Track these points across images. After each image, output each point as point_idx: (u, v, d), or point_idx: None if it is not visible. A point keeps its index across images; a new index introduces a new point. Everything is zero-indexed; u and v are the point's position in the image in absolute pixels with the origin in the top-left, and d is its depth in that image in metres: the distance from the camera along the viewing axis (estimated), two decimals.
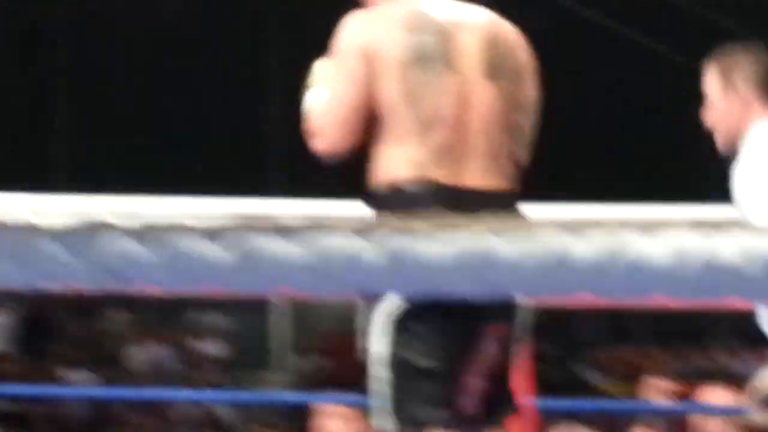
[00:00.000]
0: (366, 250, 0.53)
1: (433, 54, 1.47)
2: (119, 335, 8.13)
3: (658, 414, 2.98)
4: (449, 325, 1.42)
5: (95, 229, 0.46)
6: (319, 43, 1.63)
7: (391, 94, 1.46)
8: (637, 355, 8.97)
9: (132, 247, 0.46)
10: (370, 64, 1.46)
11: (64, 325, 7.98)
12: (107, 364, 7.73)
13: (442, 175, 1.47)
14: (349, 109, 1.48)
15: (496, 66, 1.51)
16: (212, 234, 0.48)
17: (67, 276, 0.46)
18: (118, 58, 8.70)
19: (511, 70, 1.53)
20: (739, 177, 1.80)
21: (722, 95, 1.82)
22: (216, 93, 8.96)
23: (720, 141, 1.87)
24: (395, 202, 1.47)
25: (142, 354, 7.90)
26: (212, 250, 0.48)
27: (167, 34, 8.81)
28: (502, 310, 1.43)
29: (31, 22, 8.84)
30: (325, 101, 1.50)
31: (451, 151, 1.48)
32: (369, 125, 1.49)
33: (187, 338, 8.11)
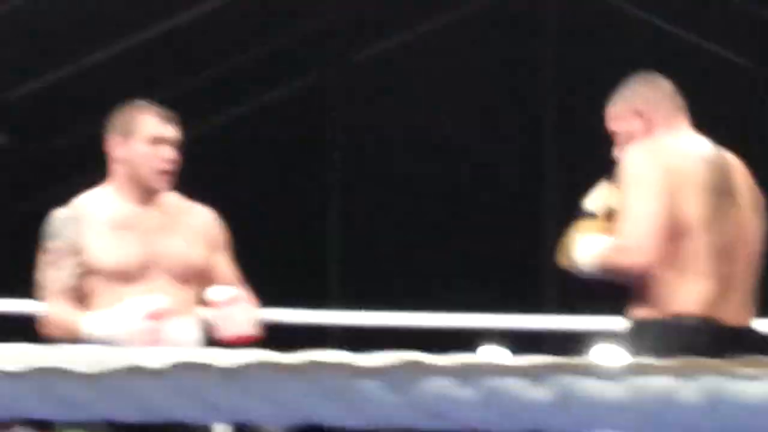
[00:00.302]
0: (683, 390, 0.49)
1: (723, 187, 1.52)
2: None
3: None
4: None
5: (414, 368, 0.46)
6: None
7: (684, 221, 1.48)
8: None
9: (450, 386, 0.46)
10: (673, 186, 1.49)
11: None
12: None
13: (721, 310, 1.46)
14: (660, 224, 1.47)
15: (754, 202, 1.55)
16: (529, 374, 0.46)
17: (388, 414, 0.47)
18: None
19: (758, 206, 1.56)
20: None
21: None
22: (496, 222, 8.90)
23: None
24: (672, 334, 1.45)
25: None
26: (529, 390, 0.46)
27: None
28: None
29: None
30: (640, 218, 1.49)
31: (730, 287, 1.47)
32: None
33: None
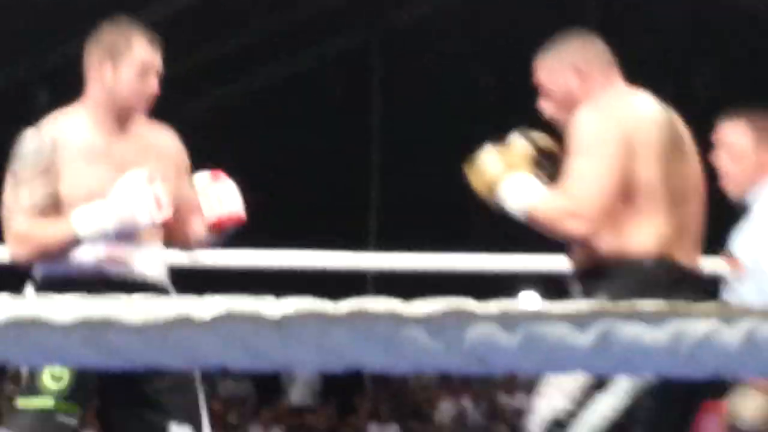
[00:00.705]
0: (722, 332, 0.50)
1: (676, 139, 1.58)
2: (426, 389, 8.13)
3: None
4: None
5: (458, 316, 0.47)
6: None
7: (648, 173, 1.52)
8: None
9: (494, 332, 0.47)
10: (628, 149, 1.52)
11: (371, 378, 7.98)
12: (414, 418, 7.80)
13: (679, 254, 1.53)
14: (610, 192, 1.51)
15: (695, 152, 1.63)
16: (571, 318, 0.47)
17: (432, 360, 0.48)
18: None
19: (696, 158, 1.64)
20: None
21: (753, 151, 1.83)
22: None
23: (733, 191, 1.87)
24: (634, 276, 1.50)
25: (449, 409, 7.81)
26: (571, 335, 0.47)
27: None
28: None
29: None
30: (591, 184, 1.51)
31: (683, 222, 1.55)
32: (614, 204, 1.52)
33: (498, 393, 7.90)
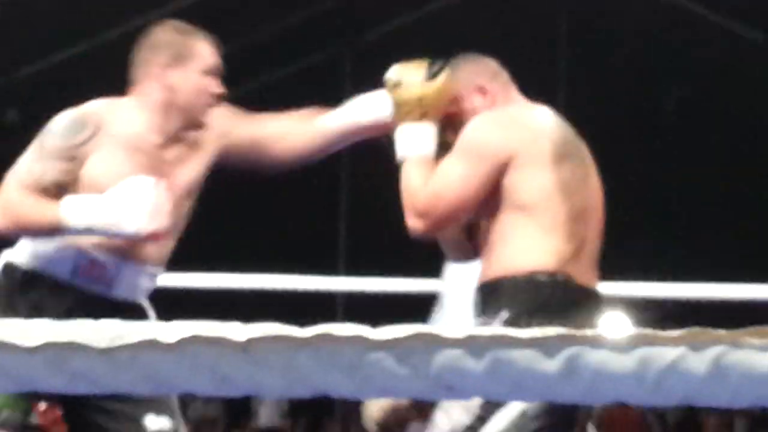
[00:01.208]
0: (690, 359, 0.50)
1: (573, 150, 1.53)
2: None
3: None
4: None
5: (425, 341, 0.47)
6: None
7: (542, 186, 1.47)
8: None
9: (461, 357, 0.47)
10: (515, 161, 1.48)
11: (341, 399, 7.98)
12: None
13: (575, 271, 1.47)
14: (470, 198, 1.48)
15: (595, 169, 1.56)
16: (536, 344, 0.47)
17: (399, 386, 0.48)
18: None
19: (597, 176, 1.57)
20: None
21: None
22: None
23: None
24: (527, 293, 1.45)
25: (419, 430, 7.71)
26: (538, 361, 0.47)
27: None
28: None
29: None
30: (451, 189, 1.49)
31: (580, 237, 1.49)
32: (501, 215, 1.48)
33: None
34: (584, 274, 1.50)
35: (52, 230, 1.53)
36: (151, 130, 1.60)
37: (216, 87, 1.62)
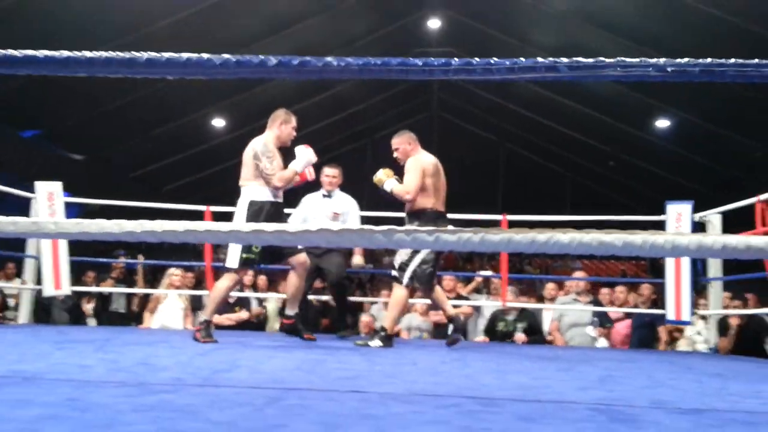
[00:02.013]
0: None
1: (438, 169, 4.39)
2: None
3: None
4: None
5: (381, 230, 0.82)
6: None
7: (429, 181, 4.30)
8: None
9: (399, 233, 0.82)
10: (425, 170, 4.33)
11: None
12: None
13: (439, 206, 4.34)
14: (419, 186, 4.30)
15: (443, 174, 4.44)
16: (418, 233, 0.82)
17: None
18: None
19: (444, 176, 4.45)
20: None
21: None
22: None
23: None
24: (425, 215, 4.29)
25: None
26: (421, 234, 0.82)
27: None
28: None
29: None
30: (411, 182, 4.30)
31: (440, 196, 4.36)
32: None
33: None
34: (442, 206, 4.36)
35: (293, 176, 4.21)
36: (275, 147, 4.20)
37: (293, 135, 4.31)
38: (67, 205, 5.57)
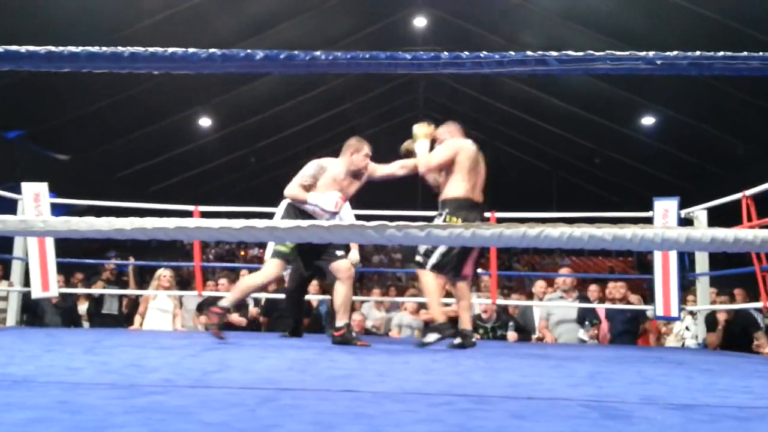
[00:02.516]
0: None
1: (477, 157, 4.15)
2: None
3: None
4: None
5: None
6: None
7: (464, 166, 4.07)
8: None
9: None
10: (458, 152, 4.11)
11: None
12: None
13: (474, 195, 4.09)
14: (442, 162, 4.13)
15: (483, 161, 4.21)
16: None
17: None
18: None
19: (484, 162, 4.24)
20: None
21: None
22: None
23: None
24: (461, 204, 4.05)
25: None
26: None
27: None
28: None
29: None
30: (435, 158, 4.14)
31: (477, 187, 4.10)
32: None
33: None
34: (478, 197, 4.10)
35: (304, 203, 4.14)
36: (348, 173, 4.27)
37: (367, 163, 4.28)
38: (54, 206, 5.52)
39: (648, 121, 12.00)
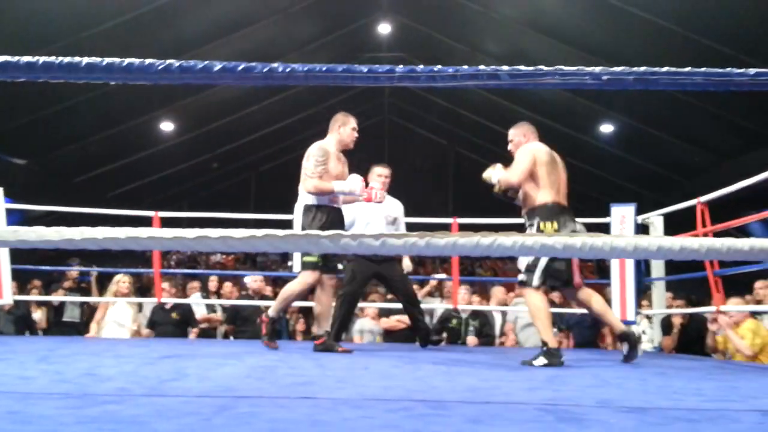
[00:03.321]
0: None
1: (555, 159, 3.93)
2: None
3: None
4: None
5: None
6: None
7: (544, 171, 3.85)
8: None
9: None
10: (535, 161, 3.87)
11: None
12: None
13: (560, 199, 3.86)
14: (526, 171, 3.86)
15: (562, 164, 4.00)
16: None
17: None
18: None
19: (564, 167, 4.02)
20: None
21: None
22: None
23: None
24: (552, 208, 3.81)
25: None
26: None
27: None
28: None
29: None
30: (519, 169, 3.86)
31: (561, 190, 3.88)
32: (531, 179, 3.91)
33: None
34: (563, 200, 3.87)
35: (329, 193, 4.08)
36: (338, 150, 4.21)
37: (354, 137, 4.29)
38: (9, 211, 5.40)
39: (607, 128, 12.23)
